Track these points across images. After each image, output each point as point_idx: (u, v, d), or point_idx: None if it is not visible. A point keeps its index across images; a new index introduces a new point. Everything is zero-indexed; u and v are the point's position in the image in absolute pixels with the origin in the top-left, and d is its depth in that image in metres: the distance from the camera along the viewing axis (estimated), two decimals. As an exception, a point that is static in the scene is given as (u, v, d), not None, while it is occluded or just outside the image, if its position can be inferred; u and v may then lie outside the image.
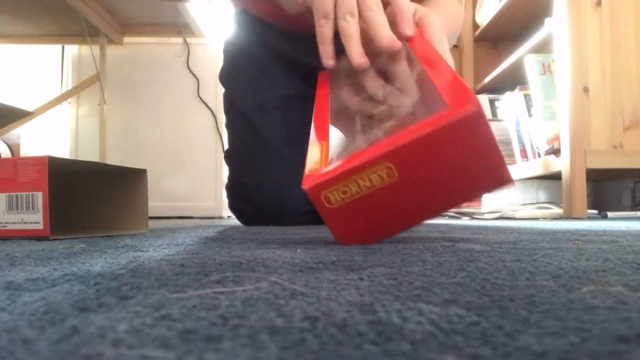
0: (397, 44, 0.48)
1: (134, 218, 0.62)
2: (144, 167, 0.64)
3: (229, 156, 0.94)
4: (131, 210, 0.62)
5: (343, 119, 0.53)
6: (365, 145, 0.37)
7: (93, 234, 0.57)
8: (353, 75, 0.53)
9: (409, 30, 0.49)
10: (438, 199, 0.38)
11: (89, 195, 0.61)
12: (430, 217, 0.40)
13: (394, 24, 0.50)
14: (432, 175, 0.36)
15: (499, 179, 0.37)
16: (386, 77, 0.51)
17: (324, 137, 0.42)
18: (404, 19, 0.50)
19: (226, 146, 0.98)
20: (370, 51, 0.49)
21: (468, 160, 0.36)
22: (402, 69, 0.49)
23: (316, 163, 0.38)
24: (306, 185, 0.36)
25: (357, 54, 0.48)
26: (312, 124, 0.45)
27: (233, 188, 0.92)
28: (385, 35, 0.47)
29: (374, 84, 0.50)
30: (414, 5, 0.55)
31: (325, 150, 0.40)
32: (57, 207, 0.52)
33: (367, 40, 0.49)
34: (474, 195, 0.38)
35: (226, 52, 0.98)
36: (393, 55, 0.50)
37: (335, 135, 0.51)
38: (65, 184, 0.56)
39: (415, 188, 0.36)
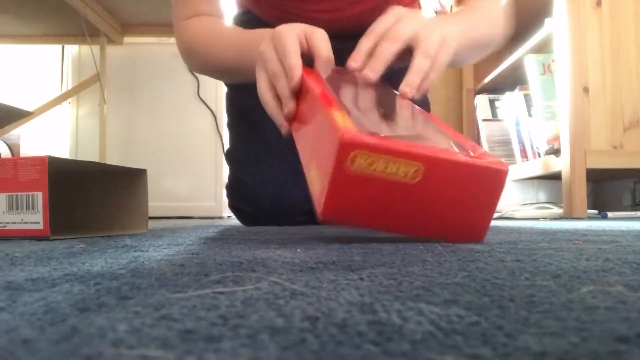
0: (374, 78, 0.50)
1: (134, 218, 0.62)
2: (144, 167, 0.64)
3: (230, 156, 0.94)
4: (131, 210, 0.62)
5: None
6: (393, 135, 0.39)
7: (93, 234, 0.57)
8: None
9: (370, 76, 0.50)
10: (429, 220, 0.39)
11: (89, 195, 0.61)
12: (408, 234, 0.40)
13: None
14: (441, 199, 0.38)
15: (478, 232, 0.41)
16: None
17: (340, 108, 0.41)
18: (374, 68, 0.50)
19: (226, 146, 0.98)
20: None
21: (473, 205, 0.39)
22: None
23: (349, 125, 0.37)
24: (347, 135, 0.35)
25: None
26: (320, 97, 0.44)
27: (233, 187, 0.92)
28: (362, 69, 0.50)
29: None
30: (413, 16, 0.53)
31: (349, 118, 0.39)
32: (57, 207, 0.52)
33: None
34: (450, 234, 0.41)
35: None
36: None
37: None
38: (65, 184, 0.56)
39: (422, 200, 0.38)
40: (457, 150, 0.40)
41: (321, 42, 0.54)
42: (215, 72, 0.80)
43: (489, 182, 0.39)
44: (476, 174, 0.38)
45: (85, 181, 0.60)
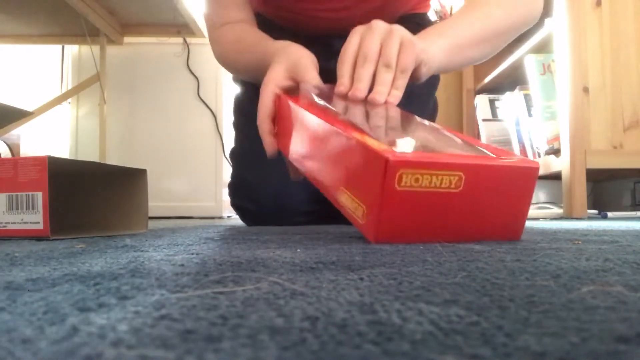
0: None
1: (134, 218, 0.62)
2: (144, 167, 0.64)
3: (234, 154, 0.95)
4: (131, 210, 0.62)
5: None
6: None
7: (93, 234, 0.57)
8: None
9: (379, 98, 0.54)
10: (473, 225, 0.41)
11: (89, 195, 0.61)
12: (454, 241, 0.41)
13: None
14: (482, 203, 0.40)
15: (516, 230, 0.44)
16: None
17: (360, 131, 0.43)
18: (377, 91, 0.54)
19: (226, 146, 0.99)
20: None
21: (511, 204, 0.42)
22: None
23: (383, 146, 0.39)
24: (392, 157, 0.37)
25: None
26: (333, 123, 0.45)
27: (236, 186, 0.92)
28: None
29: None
30: (373, 31, 0.56)
31: (376, 139, 0.41)
32: (57, 207, 0.52)
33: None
34: (492, 235, 0.43)
35: None
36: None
37: None
38: (65, 184, 0.56)
39: (465, 206, 0.40)
40: (484, 153, 0.42)
41: (305, 74, 0.60)
42: (244, 75, 0.86)
43: (523, 180, 0.41)
44: (511, 174, 0.41)
45: (85, 181, 0.60)
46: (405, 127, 0.49)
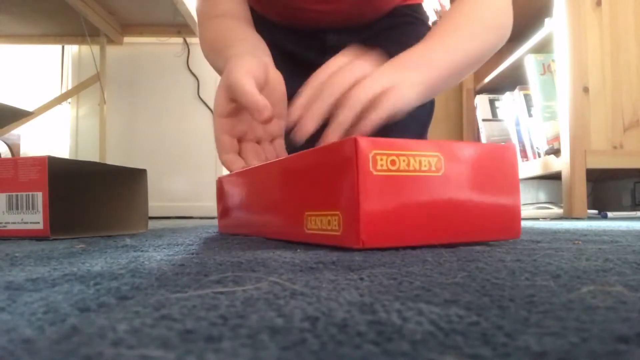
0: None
1: (134, 218, 0.62)
2: (144, 167, 0.64)
3: None
4: (131, 210, 0.62)
5: None
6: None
7: (93, 234, 0.57)
8: None
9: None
10: (464, 218, 0.38)
11: (89, 195, 0.61)
12: (449, 240, 0.38)
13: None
14: (467, 189, 0.38)
15: (512, 224, 0.40)
16: None
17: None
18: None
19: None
20: None
21: (497, 192, 0.40)
22: None
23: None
24: (360, 138, 0.34)
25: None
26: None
27: None
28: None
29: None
30: (377, 76, 0.49)
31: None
32: (57, 207, 0.52)
33: None
34: (488, 231, 0.40)
35: None
36: None
37: None
38: (65, 184, 0.56)
39: (451, 193, 0.37)
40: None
41: (241, 98, 0.51)
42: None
43: (503, 162, 0.40)
44: (490, 154, 0.39)
45: (85, 181, 0.60)
46: None
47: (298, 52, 0.89)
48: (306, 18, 0.86)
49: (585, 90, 1.27)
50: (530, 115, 1.57)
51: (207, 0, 0.76)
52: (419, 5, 0.96)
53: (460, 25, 0.64)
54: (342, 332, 0.13)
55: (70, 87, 1.95)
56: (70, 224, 0.55)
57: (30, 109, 1.62)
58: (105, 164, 0.63)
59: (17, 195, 0.52)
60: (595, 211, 1.35)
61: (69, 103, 1.99)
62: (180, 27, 1.89)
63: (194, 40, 1.95)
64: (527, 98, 1.57)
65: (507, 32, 0.69)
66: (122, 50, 1.96)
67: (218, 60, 0.68)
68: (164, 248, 0.38)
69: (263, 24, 0.91)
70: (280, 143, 0.60)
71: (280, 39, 0.89)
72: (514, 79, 1.70)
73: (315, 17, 0.85)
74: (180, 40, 1.95)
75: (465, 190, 0.38)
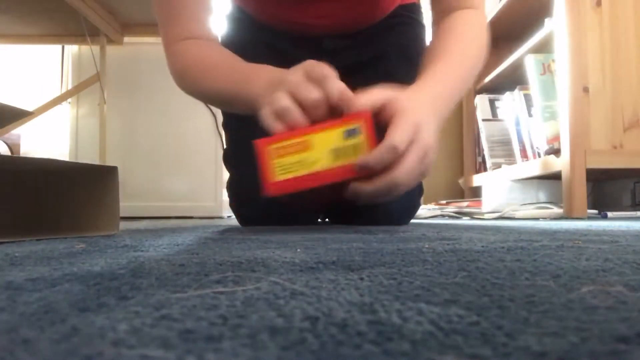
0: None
1: (103, 219, 0.58)
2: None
3: (227, 156, 0.94)
4: (102, 211, 0.58)
5: None
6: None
7: (55, 234, 0.53)
8: None
9: None
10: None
11: (51, 195, 0.57)
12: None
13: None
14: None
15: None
16: None
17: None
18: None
19: (226, 146, 0.98)
20: None
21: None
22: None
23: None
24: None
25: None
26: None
27: (232, 188, 0.92)
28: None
29: None
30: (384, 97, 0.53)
31: None
32: (8, 208, 0.50)
33: None
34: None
35: None
36: None
37: None
38: (16, 184, 0.53)
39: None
40: None
41: (327, 82, 0.55)
42: (206, 99, 0.81)
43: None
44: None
45: (47, 180, 0.57)
46: None
47: (293, 54, 0.89)
48: (304, 28, 0.86)
49: (585, 90, 1.27)
50: (530, 115, 1.57)
51: (175, 25, 0.73)
52: (415, 5, 0.96)
53: (454, 64, 0.67)
54: (342, 332, 0.13)
55: (70, 87, 1.95)
56: (20, 225, 0.53)
57: (30, 109, 1.61)
58: (66, 162, 0.59)
59: None
60: (595, 211, 1.35)
61: (69, 103, 1.99)
62: (180, 27, 1.88)
63: (194, 40, 1.95)
64: (527, 98, 1.57)
65: (485, 52, 0.74)
66: (122, 50, 1.96)
67: (218, 78, 0.68)
68: (164, 248, 0.38)
69: (258, 27, 0.90)
70: None
71: (277, 43, 0.89)
72: (514, 79, 1.70)
73: (313, 27, 0.86)
74: (180, 40, 1.95)
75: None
